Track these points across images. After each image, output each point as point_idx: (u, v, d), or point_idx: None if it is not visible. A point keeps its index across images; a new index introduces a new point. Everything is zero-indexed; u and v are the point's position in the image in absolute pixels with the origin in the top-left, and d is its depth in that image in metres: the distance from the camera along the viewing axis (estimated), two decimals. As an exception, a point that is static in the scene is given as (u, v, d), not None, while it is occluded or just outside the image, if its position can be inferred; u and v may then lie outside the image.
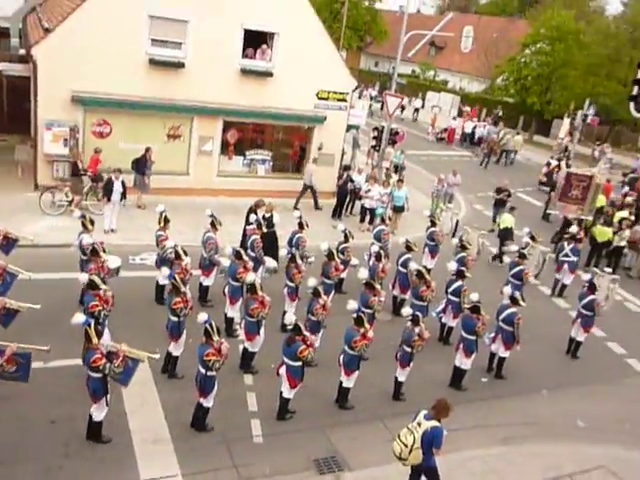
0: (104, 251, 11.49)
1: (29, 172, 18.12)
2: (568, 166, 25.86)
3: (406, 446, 7.75)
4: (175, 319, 10.30)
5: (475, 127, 36.70)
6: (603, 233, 18.63)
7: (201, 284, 13.08)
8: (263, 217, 14.95)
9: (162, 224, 12.83)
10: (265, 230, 14.00)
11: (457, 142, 37.20)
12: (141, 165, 17.64)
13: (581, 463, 9.98)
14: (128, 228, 16.34)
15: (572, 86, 39.92)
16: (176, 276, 10.57)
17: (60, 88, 16.83)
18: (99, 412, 8.75)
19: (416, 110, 43.96)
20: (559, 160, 28.57)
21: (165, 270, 11.09)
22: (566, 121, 36.08)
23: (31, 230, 14.00)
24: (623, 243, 18.70)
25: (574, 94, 39.50)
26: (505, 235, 18.06)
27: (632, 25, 39.14)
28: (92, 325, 8.61)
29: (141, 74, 17.68)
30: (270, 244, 14.34)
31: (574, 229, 17.30)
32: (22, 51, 20.94)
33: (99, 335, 8.60)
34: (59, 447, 8.74)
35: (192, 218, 16.48)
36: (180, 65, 18.06)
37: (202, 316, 9.21)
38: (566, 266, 16.51)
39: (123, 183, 16.04)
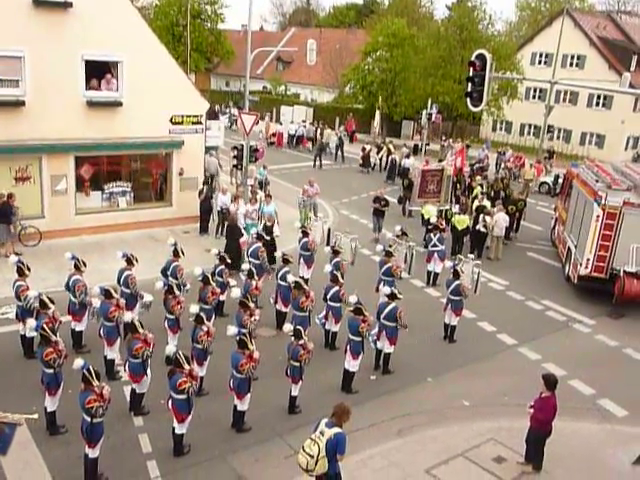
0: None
1: None
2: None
3: (312, 457, 7.78)
4: (50, 371, 9.68)
5: (297, 128, 40.57)
6: (462, 221, 19.89)
7: (73, 330, 12.39)
8: (264, 226, 17.05)
9: (22, 274, 12.05)
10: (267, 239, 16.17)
11: (285, 145, 40.28)
12: (5, 213, 16.50)
13: (471, 440, 10.57)
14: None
15: (413, 88, 42.44)
16: (44, 326, 9.94)
17: None
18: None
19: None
20: (378, 147, 34.86)
21: (31, 321, 10.38)
22: (377, 114, 41.87)
23: None
24: (483, 229, 19.99)
25: (416, 95, 42.05)
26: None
27: (459, 27, 42.16)
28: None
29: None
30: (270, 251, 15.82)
31: (433, 219, 18.56)
32: None
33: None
34: None
35: (53, 262, 15.62)
36: (20, 103, 17.06)
37: (78, 362, 8.83)
38: (436, 255, 17.50)
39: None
